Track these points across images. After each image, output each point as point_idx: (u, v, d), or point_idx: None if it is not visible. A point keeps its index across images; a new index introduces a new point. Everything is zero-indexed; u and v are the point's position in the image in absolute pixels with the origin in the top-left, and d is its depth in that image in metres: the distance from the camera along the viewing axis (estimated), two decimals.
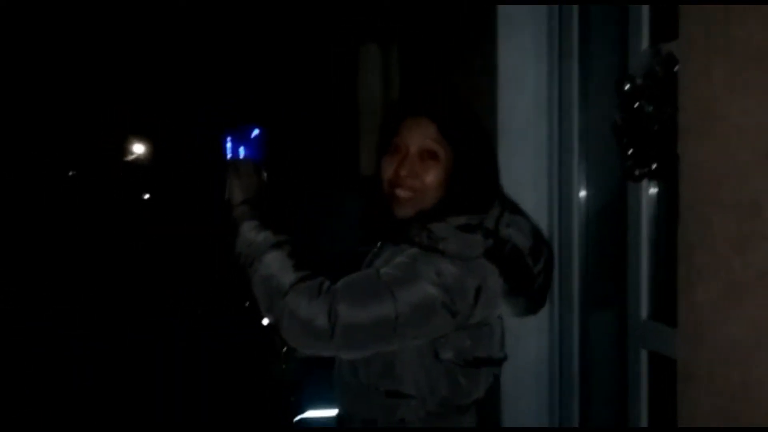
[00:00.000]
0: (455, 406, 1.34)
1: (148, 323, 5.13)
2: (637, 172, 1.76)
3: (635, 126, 1.76)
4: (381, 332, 1.22)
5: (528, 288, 1.36)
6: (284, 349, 1.74)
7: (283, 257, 1.30)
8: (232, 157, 1.45)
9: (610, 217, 2.00)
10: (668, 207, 1.81)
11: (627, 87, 1.77)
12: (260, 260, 1.30)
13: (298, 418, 2.18)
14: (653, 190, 1.80)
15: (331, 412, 2.12)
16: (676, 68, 1.53)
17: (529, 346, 2.09)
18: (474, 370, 1.33)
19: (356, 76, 3.99)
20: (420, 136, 1.35)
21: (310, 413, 2.14)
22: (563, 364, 2.13)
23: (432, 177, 1.34)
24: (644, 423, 1.80)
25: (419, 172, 1.35)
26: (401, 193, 1.36)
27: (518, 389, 2.10)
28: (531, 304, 1.41)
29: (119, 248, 8.43)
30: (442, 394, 1.32)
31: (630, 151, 1.77)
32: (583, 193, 2.09)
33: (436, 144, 1.34)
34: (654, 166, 1.72)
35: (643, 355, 1.80)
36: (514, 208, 1.42)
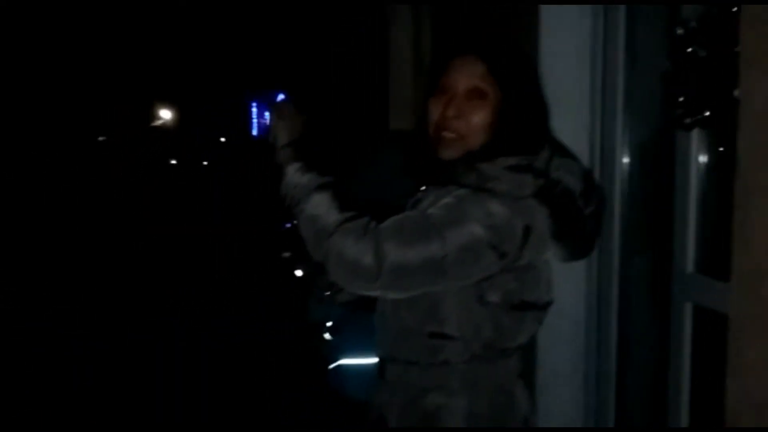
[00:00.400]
0: (499, 349, 1.33)
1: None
2: (688, 120, 1.71)
3: (687, 72, 1.70)
4: (428, 272, 1.21)
5: (577, 231, 1.33)
6: (327, 293, 1.72)
7: (328, 198, 1.29)
8: (276, 101, 1.43)
9: (656, 166, 1.95)
10: (718, 157, 1.77)
11: (680, 32, 1.71)
12: (306, 201, 1.29)
13: (333, 365, 2.18)
14: (703, 139, 1.75)
15: (366, 360, 2.13)
16: (734, 8, 1.48)
17: (565, 294, 2.06)
18: (519, 314, 1.31)
19: (387, 32, 3.94)
20: (468, 75, 1.31)
21: (345, 361, 2.14)
22: (601, 314, 2.11)
23: (479, 118, 1.31)
24: (686, 376, 1.77)
25: (466, 113, 1.31)
26: (447, 135, 1.33)
27: (553, 337, 2.06)
28: (579, 249, 1.38)
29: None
30: (486, 337, 1.30)
31: (681, 99, 1.73)
32: (627, 142, 2.04)
33: (485, 83, 1.31)
34: (706, 113, 1.67)
35: (688, 309, 1.77)
36: (565, 152, 1.38)
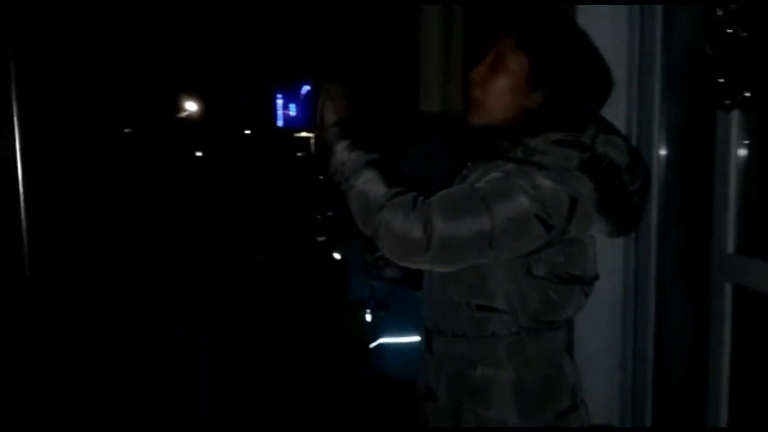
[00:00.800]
0: (546, 321, 1.35)
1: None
2: (727, 102, 1.72)
3: (727, 54, 1.71)
4: (476, 245, 1.23)
5: (623, 206, 1.35)
6: (373, 270, 1.77)
7: (377, 174, 1.32)
8: (322, 83, 1.47)
9: (695, 147, 1.96)
10: (757, 137, 1.78)
11: (720, 13, 1.72)
12: (355, 177, 1.32)
13: (374, 344, 2.23)
14: (742, 119, 1.76)
15: (406, 339, 2.17)
16: None
17: (602, 273, 2.08)
18: (566, 287, 1.33)
19: (418, 16, 3.94)
20: (497, 47, 1.35)
21: (386, 339, 2.18)
22: (638, 295, 2.12)
23: (496, 85, 1.34)
24: (726, 356, 1.79)
25: (485, 80, 1.35)
26: (470, 99, 1.37)
27: (590, 317, 2.07)
28: (625, 224, 1.39)
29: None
30: (533, 309, 1.33)
31: (721, 80, 1.73)
32: (665, 123, 2.05)
33: (509, 53, 1.33)
34: (746, 94, 1.68)
35: (728, 289, 1.78)
36: (611, 128, 1.40)
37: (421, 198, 1.26)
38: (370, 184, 1.30)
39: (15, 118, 2.48)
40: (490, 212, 1.21)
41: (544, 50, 1.33)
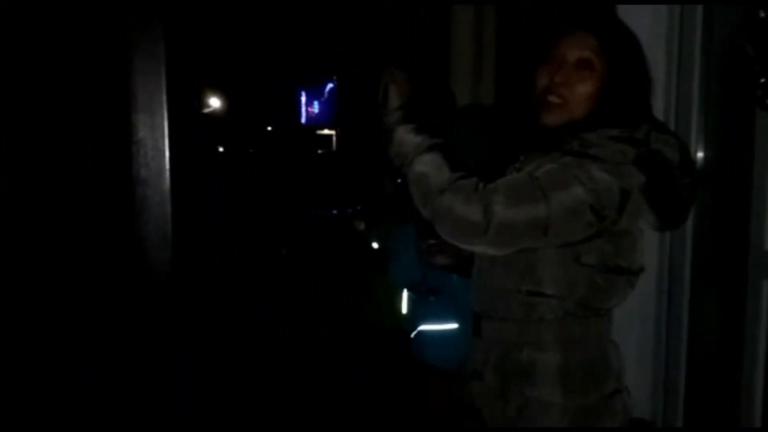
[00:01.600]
0: (593, 308, 1.40)
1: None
2: None
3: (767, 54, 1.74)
4: (532, 230, 1.28)
5: (673, 200, 1.39)
6: (425, 255, 1.81)
7: (439, 158, 1.37)
8: (386, 67, 1.50)
9: (734, 146, 1.99)
10: None
11: (762, 15, 1.74)
12: (418, 160, 1.37)
13: (415, 332, 2.27)
14: None
15: (445, 326, 2.21)
16: None
17: None
18: (613, 276, 1.38)
19: (449, 15, 3.97)
20: (579, 48, 1.39)
21: (425, 327, 2.22)
22: (673, 285, 2.15)
23: (584, 88, 1.39)
24: (761, 354, 1.82)
25: (572, 81, 1.39)
26: (553, 99, 1.41)
27: (623, 310, 2.11)
28: (673, 218, 1.43)
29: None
30: (580, 296, 1.37)
31: (762, 80, 1.76)
32: (704, 121, 2.08)
33: (594, 56, 1.38)
34: None
35: (765, 286, 1.81)
36: (663, 127, 1.44)
37: (482, 184, 1.32)
38: (432, 167, 1.35)
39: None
40: (547, 200, 1.26)
41: (626, 54, 1.39)
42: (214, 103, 17.36)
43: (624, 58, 1.39)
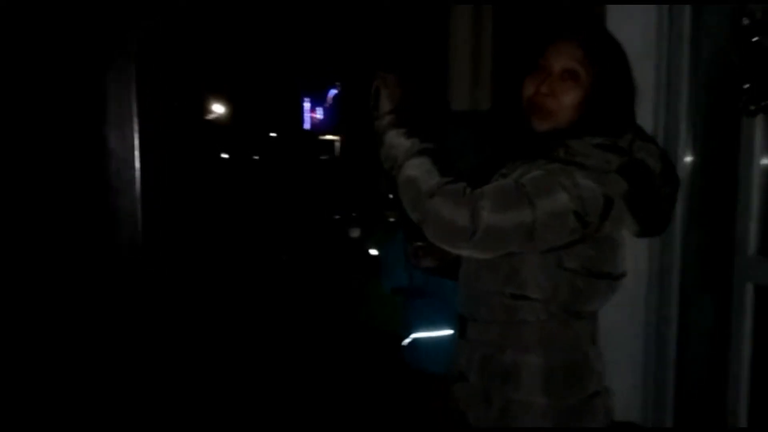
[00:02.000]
0: (574, 311, 1.42)
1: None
2: (752, 107, 1.78)
3: (752, 61, 1.77)
4: (518, 236, 1.30)
5: (654, 208, 1.42)
6: (412, 259, 1.84)
7: (429, 162, 1.39)
8: (378, 71, 1.52)
9: (719, 151, 2.02)
10: None
11: (745, 22, 1.78)
12: (407, 164, 1.39)
13: (407, 340, 2.30)
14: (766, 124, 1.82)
15: (439, 333, 2.24)
16: None
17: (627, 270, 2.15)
18: (595, 281, 1.40)
19: (448, 22, 4.00)
20: (565, 58, 1.42)
21: (418, 334, 2.26)
22: (663, 291, 2.18)
23: (569, 97, 1.41)
24: (747, 355, 1.84)
25: (558, 92, 1.42)
26: (538, 109, 1.43)
27: (613, 312, 2.12)
28: (654, 225, 1.46)
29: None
30: (563, 299, 1.40)
31: (746, 87, 1.80)
32: (690, 127, 2.11)
33: (580, 66, 1.41)
34: None
35: (749, 289, 1.84)
36: (645, 135, 1.47)
37: (469, 189, 1.34)
38: (421, 171, 1.38)
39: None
40: (533, 206, 1.29)
41: (611, 64, 1.42)
42: (218, 109, 17.45)
43: (609, 68, 1.42)
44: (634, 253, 2.12)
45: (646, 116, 2.16)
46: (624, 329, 2.20)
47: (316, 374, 4.11)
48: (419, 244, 1.75)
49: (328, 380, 3.94)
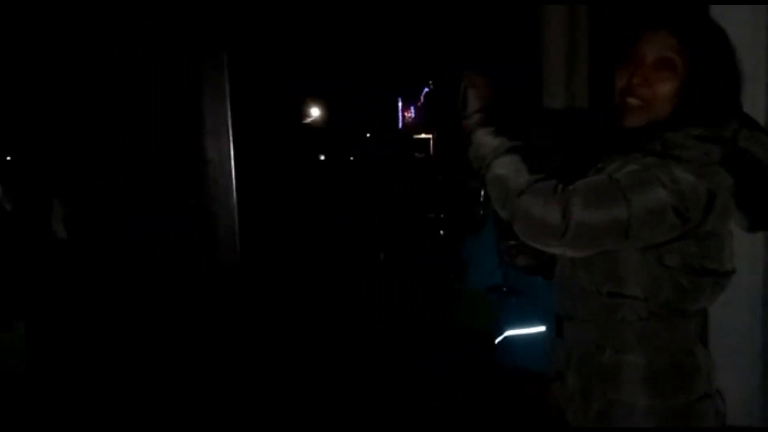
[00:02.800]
0: (678, 310, 1.35)
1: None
2: None
3: None
4: (612, 233, 1.26)
5: (764, 201, 1.33)
6: (506, 257, 1.81)
7: (518, 160, 1.36)
8: (466, 71, 1.51)
9: None
10: None
11: None
12: (496, 163, 1.37)
13: (500, 338, 2.27)
14: None
15: (532, 330, 2.19)
16: None
17: (742, 266, 2.01)
18: (699, 279, 1.33)
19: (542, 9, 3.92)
20: (658, 46, 1.35)
21: (512, 332, 2.21)
22: None
23: (665, 88, 1.34)
24: None
25: (652, 82, 1.35)
26: (632, 101, 1.37)
27: (726, 311, 2.00)
28: (765, 219, 1.37)
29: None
30: (664, 297, 1.34)
31: None
32: None
33: (674, 54, 1.34)
34: None
35: None
36: (754, 124, 1.38)
37: (560, 185, 1.30)
38: (510, 169, 1.35)
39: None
40: (628, 202, 1.24)
41: (709, 50, 1.34)
42: (315, 112, 17.87)
43: (707, 54, 1.34)
44: (747, 249, 2.00)
45: (759, 105, 2.04)
46: (740, 329, 2.07)
47: (411, 373, 4.12)
48: (513, 242, 1.71)
49: (423, 379, 3.94)
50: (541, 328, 2.15)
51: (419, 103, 13.77)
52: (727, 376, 2.09)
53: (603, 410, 1.38)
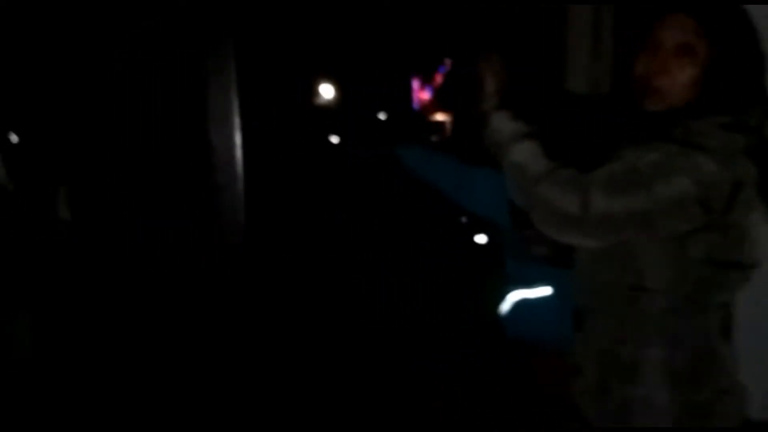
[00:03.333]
0: (701, 302, 1.32)
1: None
2: None
3: None
4: (633, 223, 1.22)
5: None
6: (524, 248, 1.76)
7: (535, 146, 1.32)
8: (483, 53, 1.46)
9: None
10: None
11: None
12: (513, 149, 1.33)
13: (505, 307, 2.14)
14: None
15: (536, 292, 2.09)
16: None
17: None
18: (722, 271, 1.29)
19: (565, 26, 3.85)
20: (677, 32, 1.30)
21: (523, 294, 2.09)
22: None
23: (685, 74, 1.30)
24: None
25: (672, 68, 1.30)
26: (652, 88, 1.32)
27: (752, 303, 1.95)
28: None
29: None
30: (686, 290, 1.30)
31: None
32: None
33: (695, 40, 1.28)
34: None
35: None
36: None
37: (580, 173, 1.27)
38: (528, 156, 1.31)
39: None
40: (649, 192, 1.20)
41: (731, 34, 1.29)
42: (326, 93, 17.81)
43: (729, 39, 1.28)
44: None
45: None
46: (763, 323, 2.02)
47: (411, 373, 4.08)
48: (528, 231, 1.66)
49: (423, 379, 3.90)
50: (548, 290, 2.05)
51: (435, 84, 13.72)
52: (752, 370, 2.05)
53: (621, 404, 1.35)
